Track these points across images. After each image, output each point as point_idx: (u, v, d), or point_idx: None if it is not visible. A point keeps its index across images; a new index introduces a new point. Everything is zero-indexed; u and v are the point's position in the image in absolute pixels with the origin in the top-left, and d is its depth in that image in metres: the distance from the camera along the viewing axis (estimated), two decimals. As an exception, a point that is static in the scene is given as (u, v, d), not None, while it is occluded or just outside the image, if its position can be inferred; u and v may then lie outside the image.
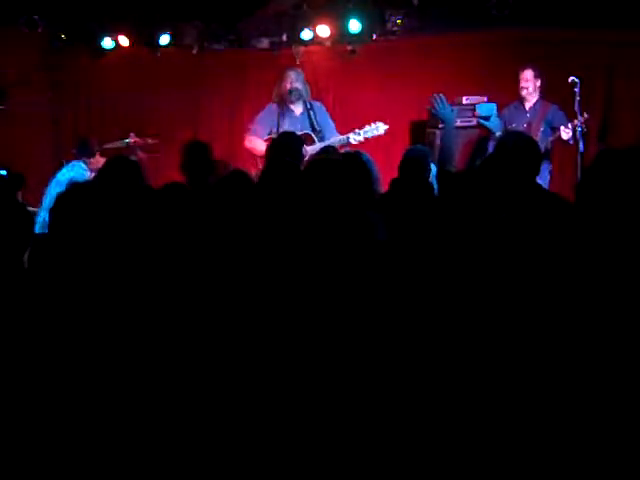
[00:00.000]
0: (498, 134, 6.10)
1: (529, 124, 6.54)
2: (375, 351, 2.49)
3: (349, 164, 3.93)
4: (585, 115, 6.18)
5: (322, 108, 6.59)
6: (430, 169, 4.83)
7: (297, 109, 6.45)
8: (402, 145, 6.35)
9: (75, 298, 2.55)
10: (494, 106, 6.26)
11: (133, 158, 6.04)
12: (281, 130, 6.31)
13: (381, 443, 2.35)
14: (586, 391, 2.32)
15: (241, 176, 3.87)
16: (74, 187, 2.90)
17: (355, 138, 6.20)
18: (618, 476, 2.24)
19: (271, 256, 2.84)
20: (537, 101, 6.61)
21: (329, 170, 3.05)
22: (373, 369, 2.47)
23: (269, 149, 5.24)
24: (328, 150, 5.53)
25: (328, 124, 6.44)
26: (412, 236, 3.12)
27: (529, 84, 6.57)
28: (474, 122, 6.62)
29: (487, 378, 2.42)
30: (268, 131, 6.46)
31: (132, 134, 6.89)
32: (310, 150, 6.13)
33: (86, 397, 2.42)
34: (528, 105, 6.63)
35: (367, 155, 4.56)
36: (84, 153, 6.53)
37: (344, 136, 6.28)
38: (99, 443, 2.38)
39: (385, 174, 4.89)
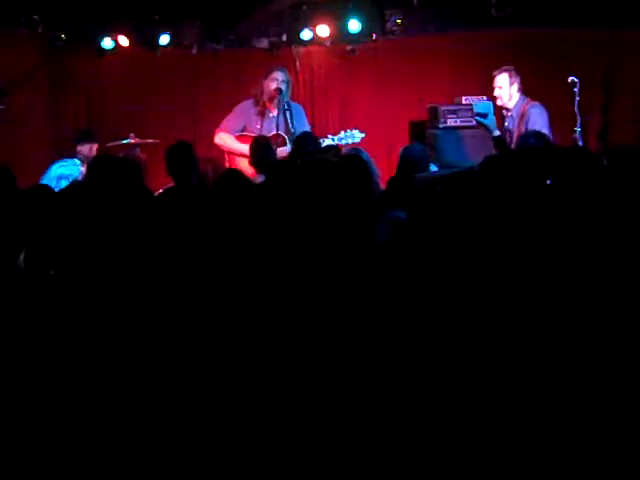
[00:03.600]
0: (496, 133, 6.08)
1: (509, 131, 6.39)
2: (375, 352, 2.49)
3: (349, 164, 3.93)
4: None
5: (300, 110, 6.63)
6: (428, 167, 4.84)
7: (274, 109, 6.47)
8: (402, 145, 6.35)
9: (72, 298, 2.55)
10: (490, 104, 6.26)
11: (129, 157, 6.11)
12: (257, 128, 6.40)
13: (381, 443, 2.36)
14: (586, 390, 2.33)
15: (238, 177, 3.89)
16: (69, 188, 2.91)
17: (328, 143, 6.19)
18: (618, 476, 2.24)
19: (270, 257, 2.84)
20: (516, 104, 6.40)
21: (328, 171, 3.05)
22: (373, 370, 2.47)
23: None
24: (329, 150, 5.56)
25: (303, 127, 6.44)
26: (411, 234, 3.12)
27: (502, 92, 6.38)
28: (474, 122, 6.62)
29: (489, 377, 2.42)
30: (240, 128, 6.52)
31: (132, 134, 6.91)
32: (280, 151, 6.16)
33: (84, 398, 2.42)
34: (505, 112, 6.47)
35: (366, 154, 4.57)
36: (85, 138, 6.64)
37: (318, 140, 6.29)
38: (97, 443, 2.38)
39: (385, 174, 4.90)
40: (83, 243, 2.73)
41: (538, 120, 6.22)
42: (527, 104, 6.33)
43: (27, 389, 2.44)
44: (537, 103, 6.33)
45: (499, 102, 6.38)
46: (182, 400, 2.45)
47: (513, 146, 6.21)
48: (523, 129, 6.24)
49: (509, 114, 6.43)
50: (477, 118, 6.15)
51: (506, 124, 6.42)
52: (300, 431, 2.39)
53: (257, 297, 2.68)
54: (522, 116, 6.30)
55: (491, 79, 6.61)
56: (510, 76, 6.35)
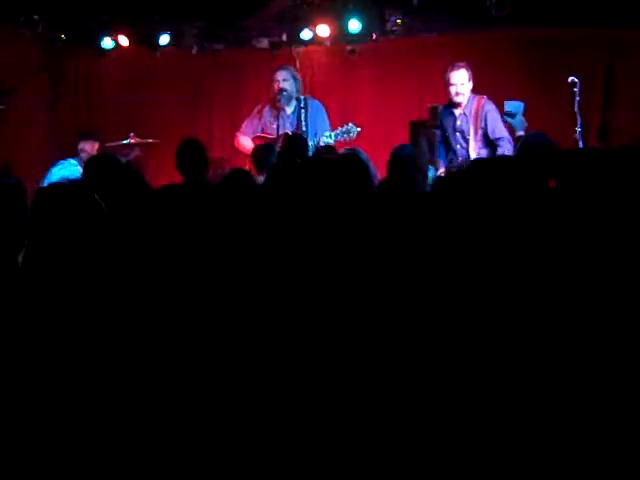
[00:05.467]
0: (519, 133, 6.01)
1: (461, 132, 6.22)
2: (375, 351, 2.49)
3: (348, 163, 3.95)
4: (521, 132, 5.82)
5: (318, 107, 6.61)
6: (420, 167, 4.86)
7: (289, 108, 6.49)
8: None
9: (71, 298, 2.54)
10: (522, 104, 6.15)
11: (125, 158, 6.14)
12: (272, 128, 6.40)
13: (382, 442, 2.35)
14: (586, 390, 2.32)
15: (243, 175, 3.90)
16: (61, 186, 2.90)
17: (326, 141, 6.18)
18: (618, 476, 2.24)
19: (273, 255, 2.84)
20: (468, 101, 6.18)
21: (328, 170, 3.06)
22: (373, 369, 2.47)
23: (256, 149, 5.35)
24: (328, 150, 5.56)
25: (317, 124, 6.43)
26: (403, 234, 3.12)
27: (465, 89, 6.11)
28: None
29: (489, 376, 2.42)
30: (257, 130, 6.55)
31: (132, 134, 6.92)
32: None
33: (83, 398, 2.42)
34: (458, 111, 6.22)
35: (364, 153, 4.59)
36: (87, 136, 6.73)
37: (317, 138, 6.28)
38: (96, 444, 2.37)
39: (385, 174, 4.90)
40: (82, 243, 2.73)
41: (496, 115, 6.09)
42: (479, 100, 6.15)
43: (26, 388, 2.43)
44: (486, 97, 6.19)
45: (459, 99, 6.11)
46: (182, 399, 2.45)
47: (468, 147, 6.14)
48: (481, 126, 6.09)
49: (461, 112, 6.21)
50: (505, 117, 6.06)
51: (459, 123, 6.22)
52: (300, 430, 2.38)
53: (255, 296, 2.68)
54: (477, 113, 6.13)
55: (495, 78, 6.60)
56: (468, 71, 6.13)
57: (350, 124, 6.34)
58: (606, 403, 2.30)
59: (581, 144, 6.14)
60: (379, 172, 4.72)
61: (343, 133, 6.28)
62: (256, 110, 6.69)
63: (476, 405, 2.36)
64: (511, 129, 6.09)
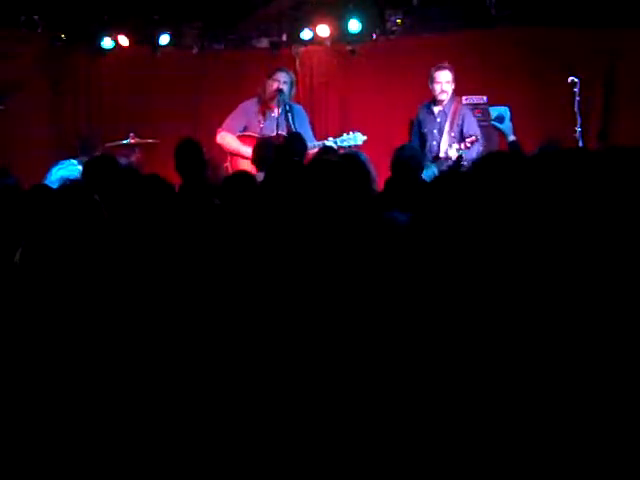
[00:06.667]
0: (511, 138, 6.04)
1: (439, 130, 6.27)
2: (375, 352, 2.49)
3: (348, 165, 3.94)
4: (472, 139, 5.96)
5: (302, 112, 6.61)
6: (422, 166, 4.87)
7: (276, 109, 6.48)
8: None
9: (69, 297, 2.54)
10: (507, 109, 6.19)
11: (124, 159, 6.13)
12: (258, 127, 6.40)
13: (382, 442, 2.35)
14: (587, 391, 2.32)
15: (244, 177, 3.91)
16: (63, 186, 2.91)
17: (329, 145, 6.16)
18: (618, 476, 2.24)
19: (273, 255, 2.84)
20: (447, 103, 6.30)
21: (328, 171, 3.06)
22: (373, 370, 2.47)
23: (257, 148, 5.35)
24: (328, 151, 5.56)
25: (304, 129, 6.42)
26: (413, 234, 3.12)
27: (448, 87, 6.24)
28: None
29: (489, 378, 2.41)
30: (241, 128, 6.52)
31: (132, 134, 6.92)
32: None
33: (80, 397, 2.41)
34: (437, 108, 6.32)
35: (364, 155, 4.59)
36: (86, 151, 6.67)
37: (319, 142, 6.24)
38: (94, 444, 2.37)
39: (386, 174, 4.90)
40: (79, 242, 2.73)
41: (472, 116, 6.23)
42: (458, 102, 6.28)
43: (22, 386, 2.44)
44: (464, 97, 6.34)
45: (443, 97, 6.23)
46: (181, 398, 2.45)
47: (440, 142, 6.20)
48: (457, 124, 6.17)
49: (440, 110, 6.30)
50: (493, 122, 6.11)
51: (438, 120, 6.28)
52: (300, 430, 2.38)
53: (255, 296, 2.68)
54: (455, 112, 6.21)
55: (495, 78, 6.60)
56: (452, 73, 6.24)
57: (357, 132, 6.32)
58: (605, 404, 2.30)
59: (581, 144, 6.15)
60: (379, 172, 4.73)
61: (349, 139, 6.26)
62: (240, 108, 6.65)
63: (476, 407, 2.36)
64: (502, 135, 6.13)
